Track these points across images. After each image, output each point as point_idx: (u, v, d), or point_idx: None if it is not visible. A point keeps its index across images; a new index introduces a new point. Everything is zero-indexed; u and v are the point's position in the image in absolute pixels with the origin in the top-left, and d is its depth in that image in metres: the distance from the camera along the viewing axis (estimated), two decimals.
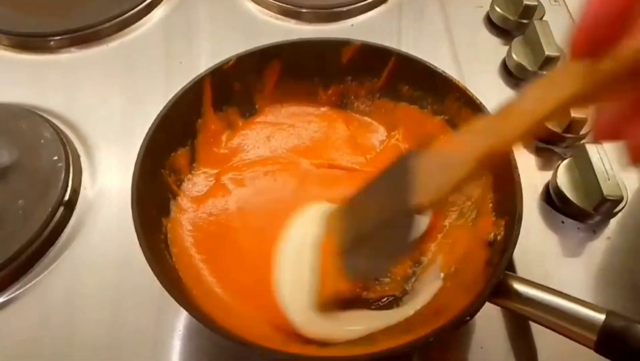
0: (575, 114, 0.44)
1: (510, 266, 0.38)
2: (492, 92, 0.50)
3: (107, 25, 0.57)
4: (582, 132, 0.45)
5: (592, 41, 0.20)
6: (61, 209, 0.41)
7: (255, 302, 0.35)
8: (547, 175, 0.45)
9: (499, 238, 0.35)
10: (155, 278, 0.31)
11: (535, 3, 0.53)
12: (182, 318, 0.37)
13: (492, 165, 0.36)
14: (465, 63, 0.53)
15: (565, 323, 0.30)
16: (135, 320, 0.37)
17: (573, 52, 0.20)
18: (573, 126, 0.45)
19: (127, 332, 0.37)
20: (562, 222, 0.43)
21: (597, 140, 0.22)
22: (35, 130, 0.46)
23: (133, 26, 0.58)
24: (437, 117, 0.43)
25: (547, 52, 0.48)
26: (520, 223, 0.33)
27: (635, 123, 0.21)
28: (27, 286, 0.39)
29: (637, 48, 0.19)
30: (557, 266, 0.41)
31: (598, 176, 0.41)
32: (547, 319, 0.31)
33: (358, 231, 0.32)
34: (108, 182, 0.45)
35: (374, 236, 0.31)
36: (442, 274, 0.36)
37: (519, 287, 0.32)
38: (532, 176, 0.45)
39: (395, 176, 0.30)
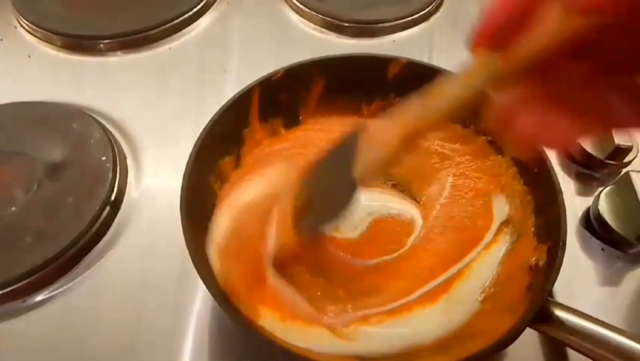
0: (619, 141, 0.44)
1: None
2: None
3: (155, 31, 0.58)
4: (626, 159, 0.45)
5: (492, 36, 0.22)
6: (107, 208, 0.43)
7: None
8: (586, 201, 0.45)
9: (541, 263, 0.35)
10: (196, 279, 0.32)
11: None
12: (224, 322, 0.38)
13: (534, 187, 0.37)
14: None
15: (608, 354, 0.30)
16: (176, 321, 0.38)
17: (475, 42, 0.23)
18: (617, 153, 0.44)
19: (166, 333, 0.38)
20: (602, 249, 0.42)
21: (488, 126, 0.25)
22: (86, 130, 0.47)
23: (180, 33, 0.59)
24: (480, 138, 0.43)
25: None
26: (565, 249, 0.33)
27: (523, 115, 0.23)
28: (71, 283, 0.40)
29: (527, 49, 0.21)
30: (594, 294, 0.40)
31: None
32: (590, 348, 0.31)
33: (310, 195, 0.35)
34: (152, 184, 0.46)
35: (322, 200, 0.34)
36: (480, 296, 0.36)
37: (561, 314, 0.32)
38: (571, 201, 0.45)
39: (343, 151, 0.32)
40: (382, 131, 0.29)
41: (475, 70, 0.24)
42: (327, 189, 0.33)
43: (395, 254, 0.38)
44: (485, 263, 0.37)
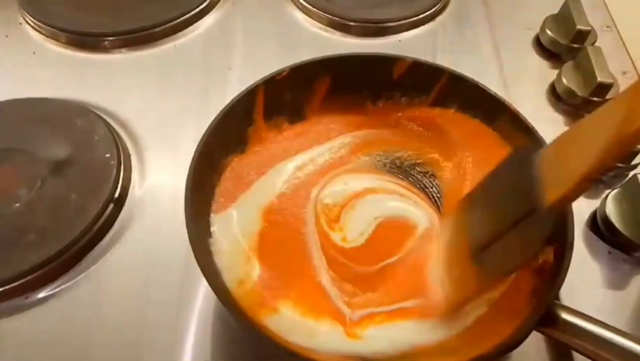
0: None
1: None
2: (539, 115, 0.49)
3: (159, 29, 0.58)
4: (634, 162, 0.45)
5: None
6: (111, 205, 0.43)
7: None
8: (593, 203, 0.45)
9: (547, 265, 0.35)
10: (199, 277, 0.32)
11: (589, 28, 0.53)
12: (226, 320, 0.38)
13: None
14: (512, 85, 0.53)
15: (614, 357, 0.30)
16: (178, 319, 0.38)
17: None
18: (624, 155, 0.44)
19: (169, 331, 0.37)
20: (609, 252, 0.42)
21: None
22: (90, 127, 0.47)
23: (185, 31, 0.59)
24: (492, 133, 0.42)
25: (599, 79, 0.48)
26: (572, 251, 0.33)
27: None
28: (73, 280, 0.40)
29: None
30: (600, 297, 0.40)
31: None
32: (596, 352, 0.30)
33: (487, 231, 0.31)
34: (156, 182, 0.46)
35: (505, 235, 0.30)
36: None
37: (567, 317, 0.31)
38: (578, 203, 0.44)
39: (515, 173, 0.29)
40: (582, 136, 0.25)
41: None
42: (505, 218, 0.29)
43: (397, 257, 0.38)
44: None
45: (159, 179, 0.46)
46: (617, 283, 0.41)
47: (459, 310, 0.34)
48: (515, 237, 0.29)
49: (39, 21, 0.59)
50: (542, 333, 0.32)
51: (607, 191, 0.44)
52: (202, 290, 0.39)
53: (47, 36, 0.59)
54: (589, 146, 0.25)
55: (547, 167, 0.27)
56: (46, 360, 0.36)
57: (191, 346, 0.37)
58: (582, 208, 0.44)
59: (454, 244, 0.35)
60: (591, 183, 0.27)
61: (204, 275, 0.32)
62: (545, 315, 0.31)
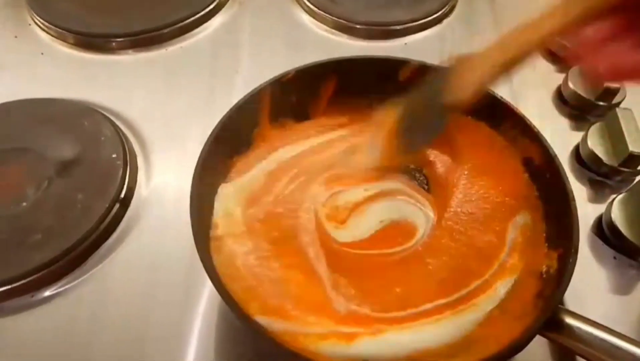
0: (633, 148, 0.44)
1: None
2: (546, 120, 0.49)
3: (167, 30, 0.59)
4: None
5: None
6: (117, 205, 0.43)
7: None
8: (599, 208, 0.45)
9: (552, 270, 0.35)
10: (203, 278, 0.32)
11: None
12: (230, 320, 0.38)
13: (546, 193, 0.39)
14: (519, 88, 0.53)
15: None
16: (182, 319, 0.38)
17: None
18: (630, 160, 0.44)
19: (173, 331, 0.38)
20: (614, 258, 0.42)
21: (574, 63, 0.29)
22: (97, 127, 0.48)
23: (192, 32, 0.60)
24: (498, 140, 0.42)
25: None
26: (577, 256, 0.33)
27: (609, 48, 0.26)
28: (79, 280, 0.40)
29: None
30: (605, 302, 0.40)
31: None
32: (600, 357, 0.30)
33: (407, 120, 0.40)
34: (162, 182, 0.46)
35: (417, 124, 0.39)
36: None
37: (572, 322, 0.31)
38: (583, 208, 0.44)
39: (434, 81, 0.37)
40: (474, 61, 0.34)
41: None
42: (421, 115, 0.38)
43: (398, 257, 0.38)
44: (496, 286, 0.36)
45: (165, 179, 0.46)
46: (623, 288, 0.41)
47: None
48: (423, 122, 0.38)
49: (48, 22, 0.59)
50: (547, 337, 0.32)
51: (612, 196, 0.44)
52: (207, 290, 0.39)
53: (55, 37, 0.59)
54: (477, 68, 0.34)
55: (454, 77, 0.35)
56: (51, 359, 0.36)
57: (195, 346, 0.37)
58: (587, 213, 0.44)
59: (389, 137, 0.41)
60: (478, 95, 0.35)
61: (209, 275, 0.32)
62: (550, 320, 0.31)
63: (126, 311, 0.39)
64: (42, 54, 0.58)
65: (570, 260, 0.33)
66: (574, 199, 0.35)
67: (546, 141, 0.39)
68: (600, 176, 0.46)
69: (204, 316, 0.38)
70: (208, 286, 0.39)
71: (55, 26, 0.59)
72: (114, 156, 0.45)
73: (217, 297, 0.37)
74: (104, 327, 0.38)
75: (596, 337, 0.30)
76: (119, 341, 0.37)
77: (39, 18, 0.60)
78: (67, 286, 0.39)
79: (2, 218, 0.42)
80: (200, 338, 0.37)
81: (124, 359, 0.37)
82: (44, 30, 0.60)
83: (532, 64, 0.55)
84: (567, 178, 0.36)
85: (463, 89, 0.35)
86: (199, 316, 0.38)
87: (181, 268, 0.40)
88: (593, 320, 0.31)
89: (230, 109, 0.40)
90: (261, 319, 0.32)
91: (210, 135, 0.38)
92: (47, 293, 0.39)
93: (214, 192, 0.39)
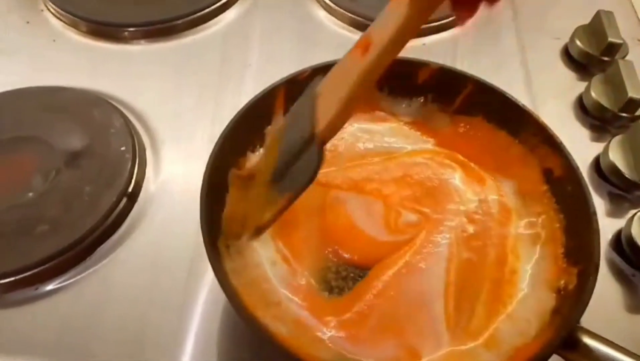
0: None
1: None
2: (565, 129, 0.48)
3: (180, 21, 0.58)
4: None
5: None
6: (124, 199, 0.42)
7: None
8: (617, 222, 0.43)
9: (570, 286, 0.34)
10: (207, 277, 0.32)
11: (620, 41, 0.51)
12: (233, 319, 0.37)
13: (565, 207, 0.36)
14: (539, 95, 0.51)
15: None
16: (185, 316, 0.37)
17: None
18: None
19: (174, 329, 0.37)
20: (633, 275, 0.40)
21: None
22: (107, 118, 0.47)
23: (205, 25, 0.59)
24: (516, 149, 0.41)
25: (630, 94, 0.46)
26: (597, 274, 0.32)
27: None
28: (83, 274, 0.39)
29: None
30: (622, 322, 0.39)
31: None
32: None
33: (280, 161, 0.34)
34: (170, 178, 0.45)
35: (290, 166, 0.33)
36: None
37: (589, 342, 0.30)
38: (602, 222, 0.42)
39: (303, 108, 0.33)
40: (334, 85, 0.30)
41: None
42: (295, 151, 0.32)
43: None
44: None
45: (173, 175, 0.45)
46: None
47: (261, 233, 0.35)
48: (300, 164, 0.32)
49: (60, 9, 0.58)
50: (563, 356, 0.31)
51: (632, 211, 0.43)
52: (211, 290, 0.38)
53: (67, 24, 0.58)
54: (344, 79, 0.30)
55: (320, 102, 0.31)
56: (51, 353, 0.36)
57: (196, 345, 0.36)
58: (605, 228, 0.43)
59: (263, 171, 0.36)
60: (351, 112, 0.31)
61: (217, 278, 0.31)
62: (567, 339, 0.30)
63: (129, 307, 0.38)
64: (54, 41, 0.57)
65: (591, 278, 0.31)
66: (595, 214, 0.34)
67: (568, 152, 0.38)
68: (620, 190, 0.45)
69: (206, 314, 0.38)
70: (210, 286, 0.39)
71: (68, 13, 0.58)
72: (123, 149, 0.44)
73: (222, 296, 0.37)
74: (106, 323, 0.37)
75: (613, 358, 0.29)
76: (120, 338, 0.37)
77: (51, 4, 0.59)
78: (71, 280, 0.39)
79: (9, 207, 0.41)
80: (202, 336, 0.37)
81: (125, 355, 0.36)
82: (56, 17, 0.59)
83: (552, 71, 0.55)
84: (589, 192, 0.35)
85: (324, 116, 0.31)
86: (202, 314, 0.38)
87: (184, 265, 0.39)
88: (611, 341, 0.30)
89: (245, 106, 0.39)
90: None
91: (224, 132, 0.37)
92: (50, 286, 0.38)
93: (224, 192, 0.38)
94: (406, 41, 0.29)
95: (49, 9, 0.60)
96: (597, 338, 0.30)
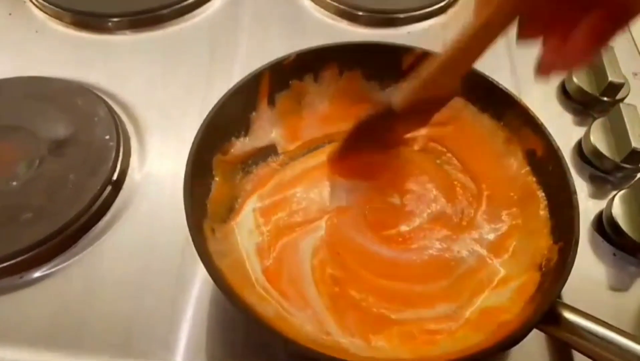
0: (636, 144, 0.43)
1: None
2: (549, 114, 0.48)
3: (166, 11, 0.57)
4: None
5: None
6: (109, 188, 0.42)
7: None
8: (599, 204, 0.44)
9: (551, 262, 0.34)
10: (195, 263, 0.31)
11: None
12: (223, 308, 0.37)
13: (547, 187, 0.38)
14: (522, 81, 0.52)
15: (616, 358, 0.29)
16: (174, 305, 0.37)
17: None
18: (633, 156, 0.43)
19: (163, 318, 0.37)
20: (614, 254, 0.41)
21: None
22: (91, 107, 0.46)
23: (191, 14, 0.58)
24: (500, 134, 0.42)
25: (610, 78, 0.47)
26: (577, 249, 0.32)
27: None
28: (69, 262, 0.39)
29: None
30: (603, 299, 0.39)
31: None
32: (597, 352, 0.30)
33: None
34: (155, 166, 0.45)
35: None
36: None
37: (569, 316, 0.31)
38: (584, 203, 0.44)
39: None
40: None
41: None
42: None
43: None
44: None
45: (159, 164, 0.45)
46: (622, 284, 0.40)
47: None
48: None
49: (44, 0, 0.58)
50: (544, 331, 0.31)
51: (614, 192, 0.43)
52: (200, 278, 0.38)
53: (50, 15, 0.58)
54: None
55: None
56: (38, 342, 0.36)
57: (186, 332, 0.36)
58: (588, 208, 0.44)
59: None
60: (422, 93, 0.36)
61: (203, 263, 0.31)
62: (548, 313, 0.30)
63: (116, 295, 0.38)
64: (36, 32, 0.57)
65: (571, 253, 0.32)
66: (575, 192, 0.35)
67: (550, 133, 0.38)
68: (601, 171, 0.46)
69: (196, 301, 0.37)
70: (201, 273, 0.39)
71: (51, 4, 0.57)
72: (107, 137, 0.44)
73: (210, 283, 0.37)
74: (94, 311, 0.37)
75: (593, 331, 0.30)
76: (108, 326, 0.36)
77: None
78: (56, 268, 0.39)
79: None
80: (191, 324, 0.36)
81: (114, 344, 0.36)
82: (39, 8, 0.59)
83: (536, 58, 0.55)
84: (569, 170, 0.36)
85: (399, 94, 0.35)
86: (191, 301, 0.37)
87: (173, 254, 0.39)
88: (591, 315, 0.31)
89: (228, 92, 0.39)
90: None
91: (206, 118, 0.37)
92: (36, 275, 0.38)
93: (208, 177, 0.38)
94: (484, 44, 0.33)
95: (32, 1, 0.59)
96: (578, 313, 0.31)
